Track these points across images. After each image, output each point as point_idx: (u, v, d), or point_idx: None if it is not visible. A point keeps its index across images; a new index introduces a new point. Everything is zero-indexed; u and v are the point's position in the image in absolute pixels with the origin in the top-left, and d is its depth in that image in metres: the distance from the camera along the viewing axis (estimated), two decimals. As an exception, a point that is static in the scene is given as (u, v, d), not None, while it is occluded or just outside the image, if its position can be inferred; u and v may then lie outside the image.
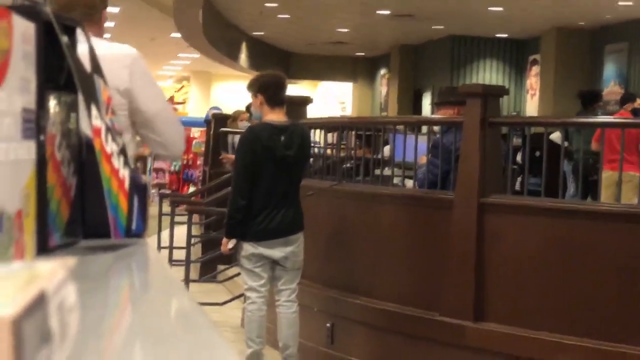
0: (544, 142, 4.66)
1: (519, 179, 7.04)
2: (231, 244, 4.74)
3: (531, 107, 16.84)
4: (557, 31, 15.50)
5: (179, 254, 7.64)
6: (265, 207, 4.59)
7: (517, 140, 6.85)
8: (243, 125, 9.93)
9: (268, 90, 4.63)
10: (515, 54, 17.90)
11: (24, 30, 0.86)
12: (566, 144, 6.09)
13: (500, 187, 4.70)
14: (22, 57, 0.87)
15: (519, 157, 6.94)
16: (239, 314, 6.34)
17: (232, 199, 4.70)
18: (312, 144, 4.93)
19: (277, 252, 4.66)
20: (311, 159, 5.01)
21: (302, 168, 4.83)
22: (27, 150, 0.88)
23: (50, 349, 0.40)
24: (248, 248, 4.67)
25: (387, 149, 6.14)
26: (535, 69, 16.88)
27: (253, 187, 4.55)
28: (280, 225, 4.62)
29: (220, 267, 7.95)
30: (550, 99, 15.57)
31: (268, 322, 4.84)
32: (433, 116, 7.49)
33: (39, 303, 0.38)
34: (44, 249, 1.02)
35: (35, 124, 0.93)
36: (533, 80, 16.98)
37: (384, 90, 21.84)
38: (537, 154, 5.67)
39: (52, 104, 1.07)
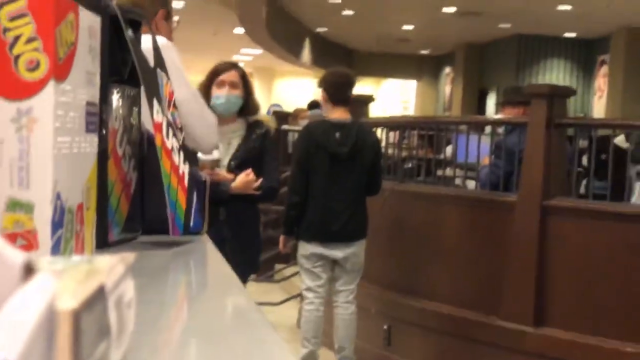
0: (610, 145, 4.55)
1: (584, 182, 6.91)
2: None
3: (599, 108, 16.51)
4: (627, 31, 15.16)
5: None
6: (322, 206, 4.55)
7: (583, 143, 6.73)
8: (304, 122, 9.96)
9: (331, 87, 4.64)
10: (584, 54, 17.56)
11: (90, 24, 0.87)
12: (630, 146, 5.96)
13: (564, 190, 4.61)
14: (88, 50, 0.87)
15: (584, 160, 6.81)
16: (295, 313, 6.36)
17: (288, 196, 4.71)
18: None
19: (337, 252, 4.64)
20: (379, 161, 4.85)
21: (364, 168, 4.65)
22: (90, 144, 0.88)
23: (108, 343, 0.40)
24: (307, 247, 4.65)
25: (449, 149, 6.08)
26: (604, 70, 16.54)
27: (309, 185, 4.57)
28: (340, 229, 4.59)
29: (278, 266, 7.97)
30: (618, 101, 15.24)
31: (325, 322, 4.83)
32: (497, 116, 7.39)
33: (98, 297, 0.38)
34: (103, 243, 1.03)
35: (98, 117, 0.93)
36: (601, 81, 16.65)
37: (448, 89, 21.65)
38: (603, 156, 5.55)
39: (115, 97, 1.08)
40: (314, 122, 4.88)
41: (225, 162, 4.17)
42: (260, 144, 4.21)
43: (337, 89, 4.62)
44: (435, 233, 5.09)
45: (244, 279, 4.14)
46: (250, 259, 4.22)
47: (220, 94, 4.18)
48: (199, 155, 3.60)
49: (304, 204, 4.58)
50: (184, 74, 2.68)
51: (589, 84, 17.52)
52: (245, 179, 4.06)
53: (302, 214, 4.59)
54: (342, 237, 4.61)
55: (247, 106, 4.24)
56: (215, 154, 3.96)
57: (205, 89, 4.18)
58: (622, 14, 14.22)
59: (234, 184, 4.07)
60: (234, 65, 4.35)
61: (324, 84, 4.68)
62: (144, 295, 0.76)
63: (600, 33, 16.22)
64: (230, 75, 4.22)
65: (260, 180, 4.09)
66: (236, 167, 4.14)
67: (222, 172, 4.08)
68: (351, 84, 4.69)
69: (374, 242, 5.04)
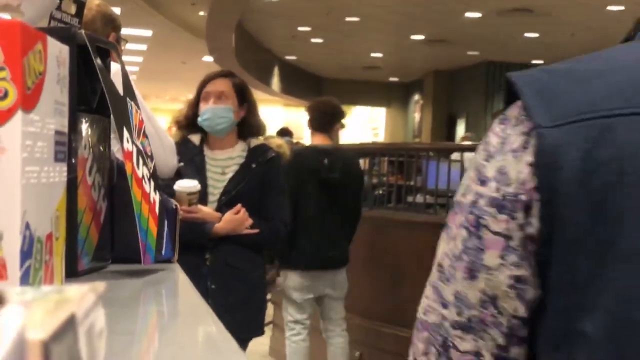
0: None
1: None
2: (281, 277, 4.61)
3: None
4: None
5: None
6: (311, 234, 4.47)
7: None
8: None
9: (311, 114, 4.63)
10: (550, 80, 17.79)
11: (58, 53, 0.86)
12: None
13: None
14: (57, 80, 0.87)
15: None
16: (268, 341, 6.32)
17: None
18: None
19: (326, 282, 4.58)
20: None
21: (352, 196, 4.61)
22: (59, 173, 0.88)
23: (78, 375, 0.39)
24: (296, 279, 4.59)
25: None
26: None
27: (299, 213, 4.29)
28: (332, 255, 4.54)
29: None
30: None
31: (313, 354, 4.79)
32: (466, 143, 7.45)
33: (69, 327, 0.38)
34: (73, 272, 1.02)
35: (67, 147, 0.93)
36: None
37: (417, 116, 21.83)
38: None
39: (85, 126, 1.08)
40: (301, 148, 4.88)
41: (217, 197, 3.40)
42: (262, 174, 3.41)
43: (316, 116, 4.63)
44: (407, 259, 5.10)
45: (240, 342, 2.38)
46: (245, 319, 3.36)
47: (204, 109, 3.42)
48: (175, 186, 3.11)
49: (293, 233, 4.23)
50: (138, 95, 2.64)
51: (556, 110, 17.73)
52: (231, 217, 3.32)
53: (292, 244, 4.40)
54: (334, 264, 4.58)
55: (246, 125, 3.45)
56: (193, 184, 3.18)
57: (194, 107, 3.49)
58: (585, 44, 14.49)
59: (218, 224, 3.30)
60: (224, 73, 3.55)
61: (309, 110, 4.69)
62: (115, 324, 0.75)
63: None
64: (216, 85, 3.45)
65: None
66: (227, 203, 3.36)
67: (205, 209, 3.29)
68: (335, 115, 4.66)
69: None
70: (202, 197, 3.34)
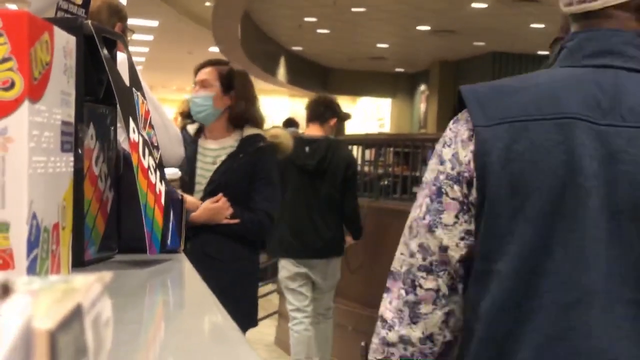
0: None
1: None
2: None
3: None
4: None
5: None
6: (292, 221, 4.53)
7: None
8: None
9: (307, 107, 4.72)
10: (557, 71, 17.73)
11: (65, 43, 0.87)
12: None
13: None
14: (63, 70, 0.87)
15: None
16: (273, 331, 6.33)
17: None
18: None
19: (314, 270, 4.63)
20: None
21: (338, 185, 4.60)
22: (66, 164, 0.88)
23: (85, 363, 0.40)
24: (290, 268, 4.62)
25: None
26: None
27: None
28: (312, 244, 4.57)
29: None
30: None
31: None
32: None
33: (75, 317, 0.38)
34: (79, 262, 1.03)
35: (74, 137, 0.93)
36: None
37: (423, 106, 21.79)
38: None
39: (91, 117, 1.08)
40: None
41: (204, 186, 3.36)
42: (252, 164, 3.32)
43: (312, 109, 4.67)
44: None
45: None
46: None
47: (189, 99, 3.44)
48: None
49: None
50: (144, 85, 2.60)
51: (562, 101, 17.66)
52: (209, 205, 3.23)
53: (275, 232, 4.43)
54: (318, 253, 4.60)
55: (235, 114, 3.38)
56: (173, 171, 3.16)
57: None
58: (593, 32, 14.41)
59: (194, 213, 3.19)
60: (212, 62, 3.49)
61: (307, 105, 4.80)
62: (122, 314, 0.75)
63: (573, 50, 16.39)
64: (202, 74, 3.41)
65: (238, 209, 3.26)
66: (212, 192, 3.30)
67: (186, 197, 3.24)
68: (328, 106, 4.68)
69: (351, 259, 5.04)
70: (189, 186, 3.30)
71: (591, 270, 1.10)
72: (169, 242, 1.13)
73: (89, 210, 1.06)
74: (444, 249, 1.20)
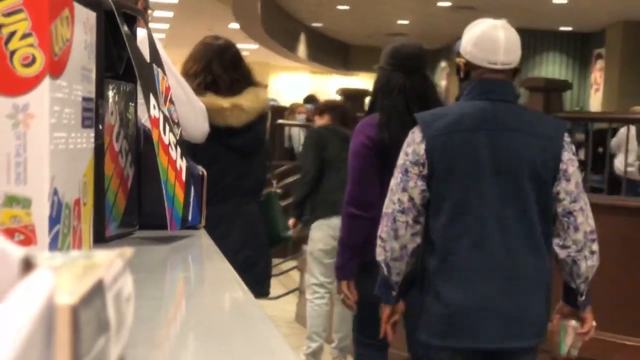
0: (607, 139, 4.56)
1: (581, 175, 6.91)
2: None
3: (595, 102, 16.51)
4: (623, 25, 15.16)
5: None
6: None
7: (579, 136, 6.73)
8: (300, 117, 9.90)
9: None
10: (580, 47, 17.54)
11: (85, 19, 0.86)
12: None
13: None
14: (84, 46, 0.87)
15: (581, 154, 6.82)
16: (293, 308, 6.35)
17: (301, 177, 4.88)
18: None
19: None
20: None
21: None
22: (87, 140, 0.88)
23: (107, 338, 0.40)
24: (329, 241, 4.56)
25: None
26: (600, 64, 16.53)
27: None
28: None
29: (275, 260, 7.95)
30: (614, 95, 15.25)
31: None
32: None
33: (97, 292, 0.38)
34: (100, 238, 1.03)
35: (94, 113, 0.93)
36: (597, 74, 16.63)
37: (444, 83, 21.66)
38: (600, 150, 5.55)
39: (111, 93, 1.08)
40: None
41: None
42: None
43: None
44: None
45: None
46: None
47: None
48: None
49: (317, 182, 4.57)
50: (167, 61, 2.54)
51: (585, 78, 17.50)
52: None
53: (316, 193, 4.61)
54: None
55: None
56: None
57: None
58: (617, 8, 14.24)
59: None
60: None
61: None
62: (143, 290, 0.76)
63: (596, 27, 16.22)
64: None
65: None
66: None
67: None
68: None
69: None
70: None
71: (488, 205, 2.31)
72: (189, 218, 1.13)
73: (110, 186, 1.06)
74: (411, 199, 2.37)
